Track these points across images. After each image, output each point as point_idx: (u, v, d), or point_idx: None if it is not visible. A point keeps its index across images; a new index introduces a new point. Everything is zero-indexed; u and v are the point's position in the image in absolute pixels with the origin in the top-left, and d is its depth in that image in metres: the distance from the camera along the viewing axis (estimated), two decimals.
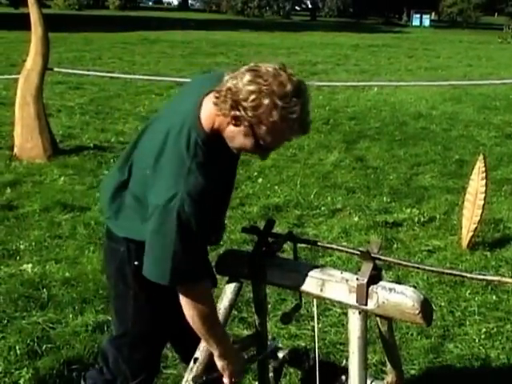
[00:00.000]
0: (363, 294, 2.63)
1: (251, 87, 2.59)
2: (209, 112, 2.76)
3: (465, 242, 6.53)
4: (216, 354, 2.99)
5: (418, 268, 2.92)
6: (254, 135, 2.67)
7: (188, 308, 2.83)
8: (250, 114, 2.61)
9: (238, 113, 2.63)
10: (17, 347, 4.48)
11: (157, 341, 3.30)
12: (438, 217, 7.51)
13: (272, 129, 2.63)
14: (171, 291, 2.91)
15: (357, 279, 2.65)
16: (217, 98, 2.68)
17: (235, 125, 2.68)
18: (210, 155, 2.75)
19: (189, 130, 2.74)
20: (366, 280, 2.62)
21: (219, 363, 3.01)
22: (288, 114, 2.60)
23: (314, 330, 4.57)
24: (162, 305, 3.11)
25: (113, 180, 3.09)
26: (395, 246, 6.61)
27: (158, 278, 2.78)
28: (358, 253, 2.70)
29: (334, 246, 2.98)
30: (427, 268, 2.75)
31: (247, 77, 2.62)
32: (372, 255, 2.63)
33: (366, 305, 2.63)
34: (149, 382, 3.37)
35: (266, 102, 2.58)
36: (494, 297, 5.54)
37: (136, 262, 3.00)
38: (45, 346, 4.51)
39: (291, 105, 2.59)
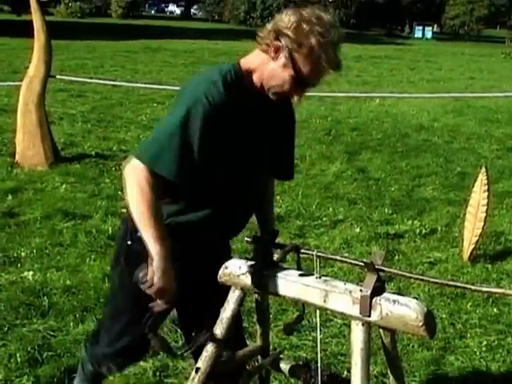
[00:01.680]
0: (366, 306, 2.61)
1: (293, 16, 2.83)
2: (247, 59, 3.01)
3: (466, 255, 6.53)
4: (151, 254, 2.86)
5: (421, 280, 2.91)
6: (293, 64, 2.84)
7: (130, 184, 2.88)
8: (290, 36, 2.81)
9: (279, 43, 2.83)
10: (17, 355, 4.46)
11: (134, 322, 3.32)
12: (439, 229, 7.51)
13: (310, 55, 2.81)
14: None
15: (360, 290, 2.64)
16: (260, 36, 2.92)
17: (275, 58, 2.87)
18: (239, 92, 2.93)
19: (225, 66, 3.00)
20: (369, 291, 2.61)
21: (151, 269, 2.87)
22: (325, 40, 2.80)
23: (315, 341, 4.57)
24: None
25: None
26: (396, 257, 6.60)
27: (135, 151, 2.93)
28: (362, 264, 2.70)
29: (337, 257, 2.97)
30: (431, 280, 2.74)
31: (289, 11, 2.87)
32: (376, 266, 2.63)
33: (370, 316, 2.61)
34: (125, 361, 3.59)
35: (305, 26, 2.80)
36: (495, 309, 5.54)
37: (129, 242, 3.17)
38: (45, 354, 4.50)
39: (328, 31, 2.81)
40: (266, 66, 2.92)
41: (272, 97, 2.96)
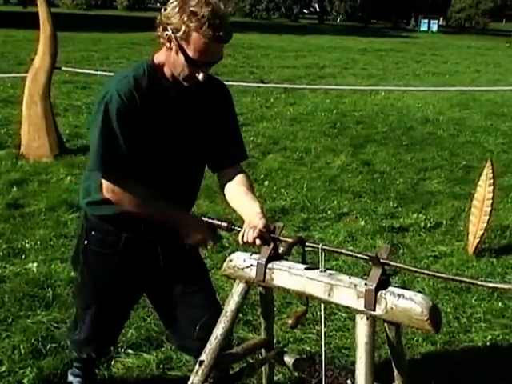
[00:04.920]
0: (371, 300, 2.61)
1: (173, 3, 2.93)
2: (157, 54, 3.14)
3: (471, 248, 6.51)
4: (176, 224, 3.22)
5: (427, 274, 2.90)
6: (181, 49, 2.94)
7: (116, 199, 3.16)
8: (170, 24, 2.92)
9: (166, 32, 2.95)
10: (21, 346, 4.46)
11: (99, 315, 3.55)
12: (444, 222, 7.49)
13: (188, 37, 2.90)
14: (116, 269, 3.36)
15: (365, 284, 2.64)
16: (157, 32, 3.02)
17: (170, 48, 2.99)
18: (155, 84, 3.10)
19: (140, 62, 3.20)
20: (374, 285, 2.60)
21: (182, 232, 3.21)
22: (196, 18, 2.87)
23: (319, 335, 4.56)
24: (104, 283, 3.44)
25: None
26: (401, 251, 6.59)
27: (92, 165, 3.11)
28: (367, 258, 2.69)
29: (343, 251, 2.95)
30: (437, 274, 2.73)
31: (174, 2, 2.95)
32: (381, 260, 2.61)
33: (374, 310, 2.61)
34: (98, 353, 3.79)
35: (179, 9, 2.89)
36: (500, 304, 5.52)
37: (85, 242, 3.43)
38: (49, 346, 4.49)
39: (199, 6, 2.87)
40: (169, 57, 3.04)
41: (185, 83, 3.09)
